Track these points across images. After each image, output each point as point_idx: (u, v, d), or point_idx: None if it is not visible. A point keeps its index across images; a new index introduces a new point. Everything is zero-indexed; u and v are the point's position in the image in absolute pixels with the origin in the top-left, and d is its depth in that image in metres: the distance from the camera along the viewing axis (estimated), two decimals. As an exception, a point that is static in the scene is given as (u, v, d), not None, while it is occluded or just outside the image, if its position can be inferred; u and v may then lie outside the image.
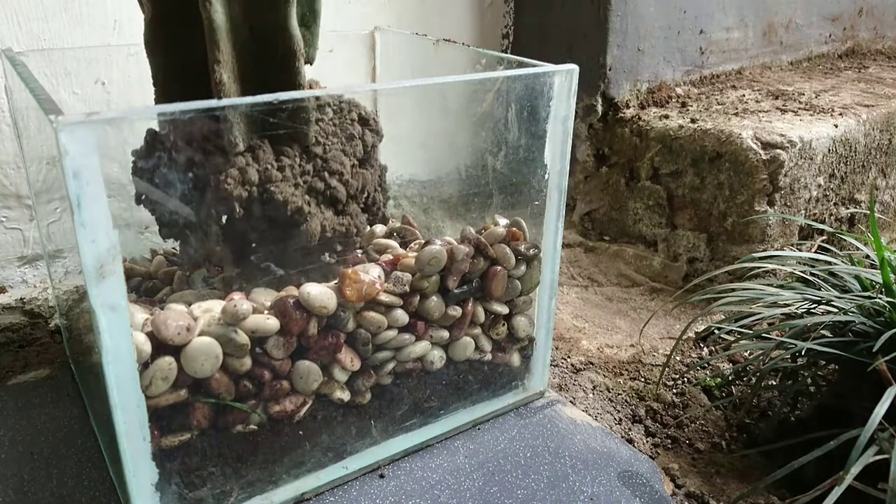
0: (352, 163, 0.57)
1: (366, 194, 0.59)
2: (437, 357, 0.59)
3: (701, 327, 0.84)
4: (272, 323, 0.49)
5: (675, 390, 0.74)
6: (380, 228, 0.70)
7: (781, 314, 0.65)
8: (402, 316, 0.55)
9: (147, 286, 0.63)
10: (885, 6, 1.52)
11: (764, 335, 0.68)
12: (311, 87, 0.59)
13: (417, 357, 0.58)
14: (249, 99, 0.43)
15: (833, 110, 1.02)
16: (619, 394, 0.72)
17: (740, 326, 0.69)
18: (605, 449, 0.63)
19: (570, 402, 0.70)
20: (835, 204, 1.00)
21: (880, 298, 0.59)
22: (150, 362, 0.45)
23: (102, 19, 0.77)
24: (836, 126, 0.95)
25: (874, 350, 0.54)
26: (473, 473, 0.59)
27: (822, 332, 0.61)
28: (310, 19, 0.57)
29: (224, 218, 0.52)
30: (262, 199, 0.51)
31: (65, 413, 0.64)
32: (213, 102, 0.43)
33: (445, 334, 0.59)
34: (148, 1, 0.52)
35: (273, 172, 0.51)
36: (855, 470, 0.48)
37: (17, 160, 0.77)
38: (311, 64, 0.59)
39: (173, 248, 0.67)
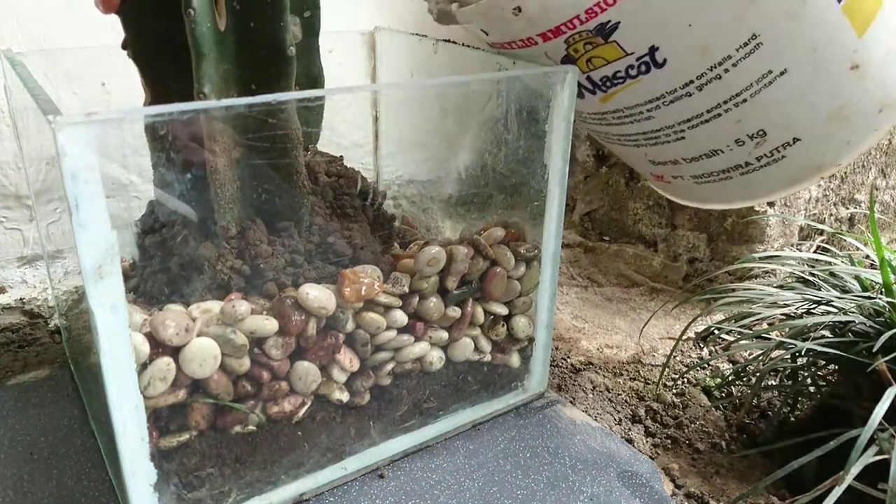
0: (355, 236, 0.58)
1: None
2: (436, 358, 0.59)
3: (701, 327, 0.84)
4: (271, 324, 0.49)
5: (674, 390, 0.74)
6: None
7: (781, 314, 0.65)
8: (401, 317, 0.55)
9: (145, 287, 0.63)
10: (886, 6, 1.52)
11: (764, 335, 0.68)
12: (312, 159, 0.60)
13: (416, 358, 0.58)
14: (248, 99, 0.43)
15: (833, 110, 1.01)
16: (618, 394, 0.72)
17: (740, 326, 0.69)
18: (605, 449, 0.63)
19: (570, 402, 0.70)
20: (835, 204, 1.00)
21: (880, 299, 0.59)
22: (148, 363, 0.45)
23: (102, 19, 0.77)
24: (836, 126, 0.95)
25: (874, 350, 0.54)
26: (473, 473, 0.59)
27: (822, 332, 0.61)
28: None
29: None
30: (253, 270, 0.52)
31: (64, 413, 0.64)
32: (211, 103, 0.43)
33: (444, 335, 0.59)
34: (148, 86, 0.52)
35: (263, 248, 0.52)
36: (855, 470, 0.48)
37: (16, 160, 0.77)
38: (314, 144, 0.60)
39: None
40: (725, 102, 0.55)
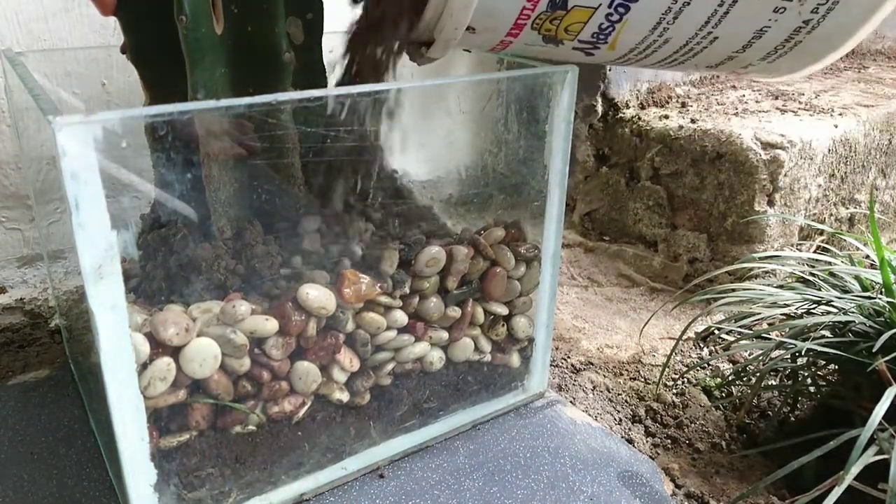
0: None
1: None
2: (436, 358, 0.59)
3: (701, 327, 0.84)
4: (271, 324, 0.49)
5: (674, 390, 0.74)
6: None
7: (781, 314, 0.65)
8: (401, 317, 0.55)
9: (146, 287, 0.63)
10: (886, 6, 1.52)
11: (764, 335, 0.68)
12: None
13: (417, 358, 0.58)
14: (247, 99, 0.43)
15: (833, 110, 1.01)
16: (619, 394, 0.72)
17: (740, 326, 0.69)
18: (605, 449, 0.63)
19: (570, 402, 0.70)
20: (835, 204, 1.00)
21: (880, 299, 0.59)
22: (148, 363, 0.45)
23: (103, 19, 0.77)
24: (835, 126, 0.95)
25: (874, 350, 0.54)
26: (473, 473, 0.59)
27: (822, 332, 0.61)
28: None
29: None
30: (249, 271, 0.52)
31: (65, 413, 0.64)
32: (210, 103, 0.43)
33: (445, 335, 0.59)
34: (147, 88, 0.52)
35: (259, 249, 0.52)
36: (855, 470, 0.48)
37: (17, 160, 0.77)
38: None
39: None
40: None
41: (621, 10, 0.49)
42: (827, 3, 0.51)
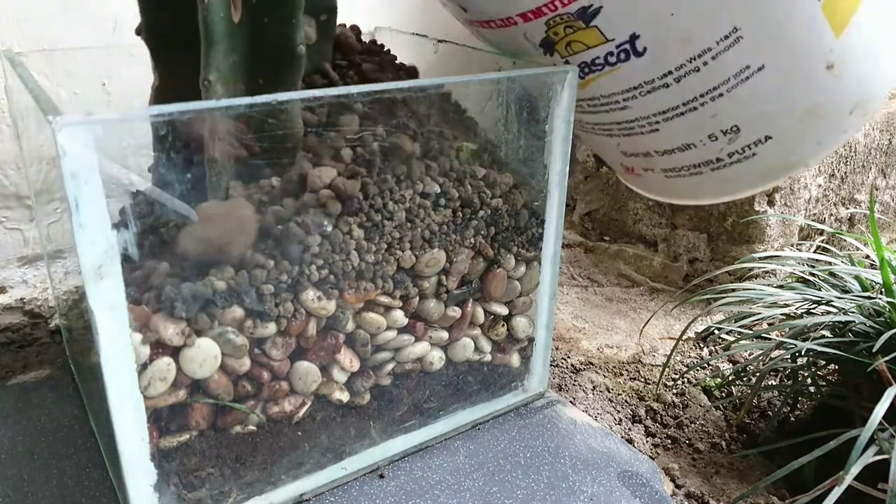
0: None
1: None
2: (436, 358, 0.59)
3: (701, 327, 0.84)
4: (270, 324, 0.49)
5: (674, 390, 0.74)
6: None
7: (781, 314, 0.65)
8: (401, 317, 0.55)
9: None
10: (886, 6, 1.52)
11: (764, 335, 0.68)
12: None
13: (417, 358, 0.58)
14: (247, 99, 0.43)
15: (833, 110, 1.01)
16: (619, 394, 0.72)
17: (740, 326, 0.69)
18: (605, 449, 0.63)
19: (570, 402, 0.70)
20: (835, 204, 1.00)
21: (880, 299, 0.59)
22: (148, 363, 0.45)
23: (103, 20, 0.77)
24: (836, 126, 0.95)
25: (874, 350, 0.54)
26: (473, 473, 0.59)
27: (822, 332, 0.61)
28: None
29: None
30: None
31: (65, 413, 0.64)
32: (210, 103, 0.43)
33: (445, 335, 0.59)
34: (158, 69, 0.52)
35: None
36: (855, 470, 0.48)
37: (17, 160, 0.77)
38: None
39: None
40: (702, 96, 0.55)
41: (623, 55, 0.52)
42: (742, 154, 0.59)
